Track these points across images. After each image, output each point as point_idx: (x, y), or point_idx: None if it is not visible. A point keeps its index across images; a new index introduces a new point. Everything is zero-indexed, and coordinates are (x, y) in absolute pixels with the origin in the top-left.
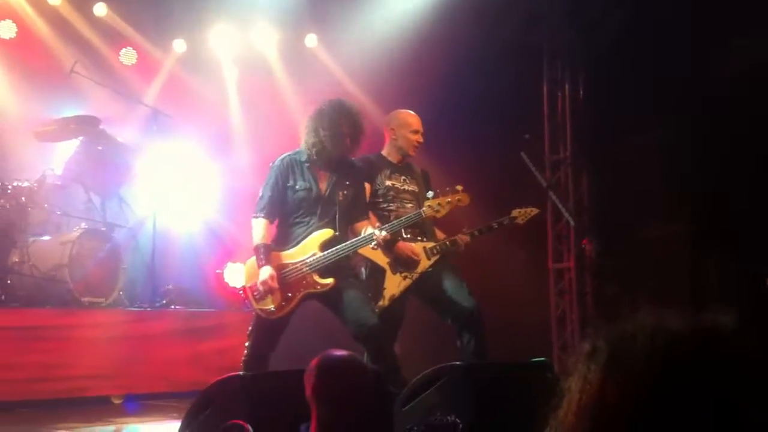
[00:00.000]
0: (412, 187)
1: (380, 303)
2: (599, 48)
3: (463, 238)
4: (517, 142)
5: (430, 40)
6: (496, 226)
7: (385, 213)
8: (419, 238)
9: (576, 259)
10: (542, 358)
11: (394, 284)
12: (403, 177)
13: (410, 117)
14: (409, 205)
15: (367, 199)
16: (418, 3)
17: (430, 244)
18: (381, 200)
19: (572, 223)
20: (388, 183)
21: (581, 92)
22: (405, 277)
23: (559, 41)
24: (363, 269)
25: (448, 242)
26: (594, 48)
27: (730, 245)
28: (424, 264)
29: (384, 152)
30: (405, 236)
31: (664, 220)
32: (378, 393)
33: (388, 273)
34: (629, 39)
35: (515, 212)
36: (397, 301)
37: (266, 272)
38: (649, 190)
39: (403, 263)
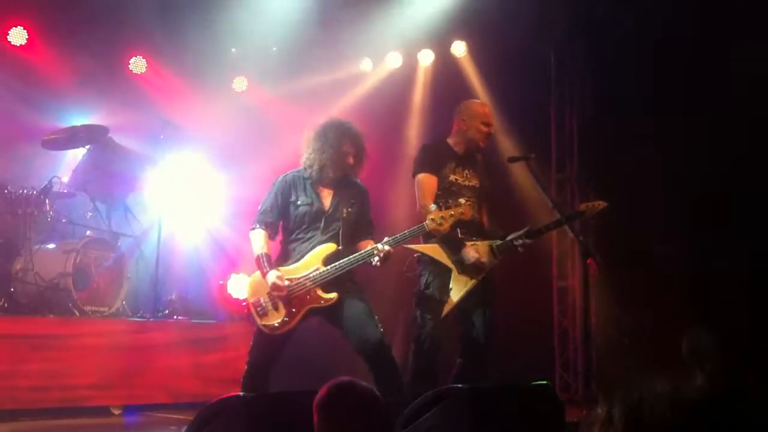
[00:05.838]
0: (473, 183)
1: (448, 302)
2: (608, 64)
3: (523, 239)
4: (523, 158)
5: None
6: (563, 222)
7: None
8: (474, 238)
9: (580, 277)
10: (544, 381)
11: (460, 284)
12: (466, 171)
13: (484, 108)
14: (467, 203)
15: (436, 188)
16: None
17: (497, 243)
18: (442, 194)
19: (578, 241)
20: (452, 177)
21: (589, 111)
22: (471, 277)
23: (567, 57)
24: (425, 272)
25: (512, 241)
26: (602, 64)
27: (734, 264)
28: (491, 262)
29: (450, 141)
30: (459, 237)
31: (670, 238)
32: (383, 418)
33: (454, 273)
34: (637, 54)
35: (583, 206)
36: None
37: (273, 276)
38: (656, 209)
39: (468, 264)
